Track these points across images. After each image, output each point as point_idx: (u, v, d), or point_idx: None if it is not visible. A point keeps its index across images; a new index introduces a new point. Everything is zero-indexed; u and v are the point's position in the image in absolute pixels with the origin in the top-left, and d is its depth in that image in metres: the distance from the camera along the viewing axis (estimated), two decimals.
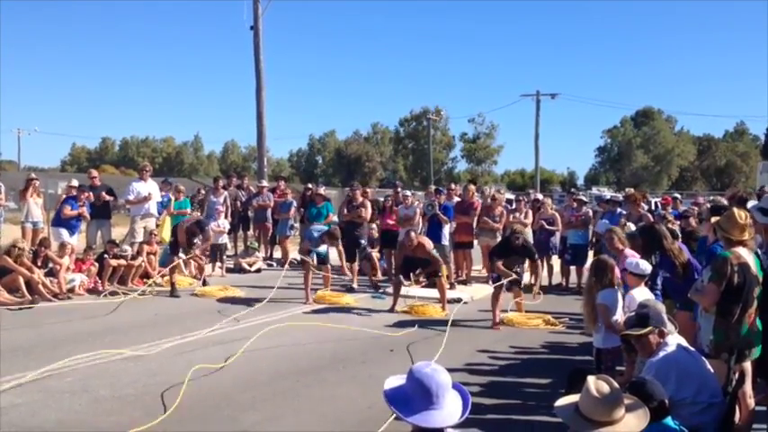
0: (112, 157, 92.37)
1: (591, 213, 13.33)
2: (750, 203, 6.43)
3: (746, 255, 4.78)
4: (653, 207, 16.32)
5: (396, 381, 2.75)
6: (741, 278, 4.63)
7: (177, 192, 15.15)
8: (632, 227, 8.60)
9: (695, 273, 6.32)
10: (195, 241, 11.99)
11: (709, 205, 10.39)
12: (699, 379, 4.21)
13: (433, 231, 12.67)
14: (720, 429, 4.12)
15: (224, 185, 15.62)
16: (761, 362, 4.92)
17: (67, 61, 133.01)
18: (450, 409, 2.62)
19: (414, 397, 2.62)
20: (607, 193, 30.97)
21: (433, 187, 16.71)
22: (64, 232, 12.72)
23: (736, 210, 5.05)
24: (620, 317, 5.83)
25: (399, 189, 15.02)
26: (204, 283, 12.41)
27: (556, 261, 13.66)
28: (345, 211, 13.99)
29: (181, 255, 12.12)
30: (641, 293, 5.90)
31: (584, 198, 14.11)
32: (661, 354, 4.33)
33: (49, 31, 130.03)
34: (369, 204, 13.97)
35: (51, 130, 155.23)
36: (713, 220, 5.66)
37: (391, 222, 13.75)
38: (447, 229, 13.09)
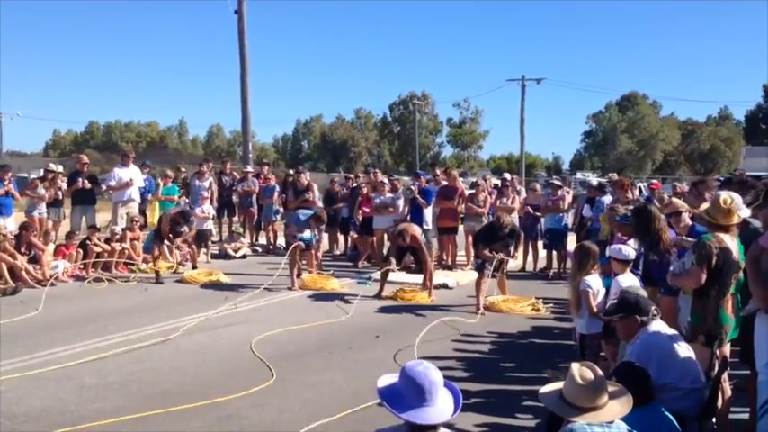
0: (96, 141, 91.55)
1: (566, 196, 13.35)
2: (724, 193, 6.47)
3: (729, 240, 4.81)
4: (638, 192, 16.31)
5: (389, 379, 2.81)
6: (720, 262, 4.67)
7: (165, 177, 15.09)
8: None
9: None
10: (180, 231, 11.95)
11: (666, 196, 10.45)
12: (680, 364, 4.24)
13: (415, 215, 12.76)
14: (703, 414, 4.17)
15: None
16: (741, 345, 4.96)
17: (50, 46, 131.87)
18: (442, 406, 2.70)
19: (407, 395, 2.67)
20: (593, 178, 31.04)
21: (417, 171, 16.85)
22: None
23: (722, 194, 5.07)
24: (603, 302, 5.88)
25: (376, 174, 15.22)
26: (194, 267, 12.42)
27: (541, 246, 13.69)
28: (292, 197, 14.31)
29: (166, 242, 12.11)
30: (626, 279, 5.93)
31: (557, 182, 14.16)
32: (640, 339, 4.36)
33: (32, 15, 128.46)
34: (315, 187, 14.50)
35: (34, 115, 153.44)
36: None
37: (367, 210, 13.86)
38: (429, 213, 13.15)
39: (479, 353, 7.54)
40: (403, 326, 8.62)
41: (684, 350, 4.35)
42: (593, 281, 6.08)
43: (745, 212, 5.19)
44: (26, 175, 24.59)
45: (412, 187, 13.38)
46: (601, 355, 5.76)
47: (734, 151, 70.07)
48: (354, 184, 15.47)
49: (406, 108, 74.59)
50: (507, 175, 14.67)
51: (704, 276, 4.67)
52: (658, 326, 4.46)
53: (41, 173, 13.39)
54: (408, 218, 12.60)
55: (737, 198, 5.07)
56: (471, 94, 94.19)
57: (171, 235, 11.92)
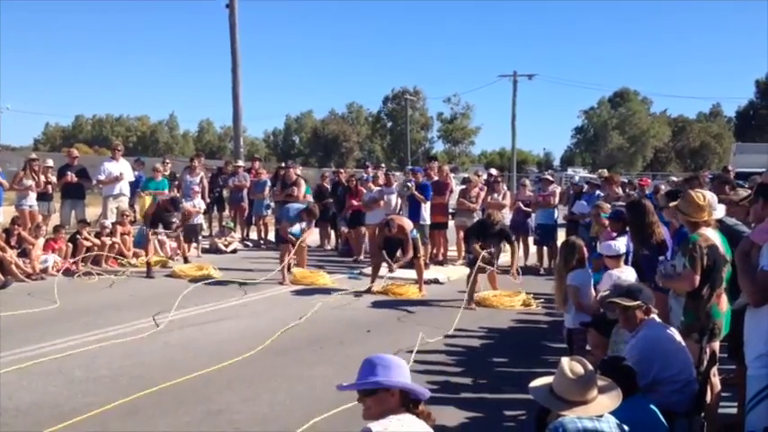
0: (86, 135, 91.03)
1: (557, 191, 13.38)
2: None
3: (713, 235, 4.81)
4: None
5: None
6: (711, 260, 4.67)
7: (155, 171, 15.04)
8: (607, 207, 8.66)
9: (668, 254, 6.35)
10: (170, 219, 11.89)
11: (663, 188, 10.44)
12: (681, 357, 4.26)
13: (413, 211, 12.70)
14: (692, 409, 4.19)
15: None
16: (729, 341, 4.98)
17: (43, 41, 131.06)
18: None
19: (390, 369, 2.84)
20: (583, 174, 31.08)
21: (408, 168, 16.90)
22: None
23: (692, 192, 5.06)
24: (590, 297, 5.90)
25: (369, 169, 15.27)
26: (186, 261, 12.41)
27: (532, 242, 13.71)
28: (279, 189, 14.38)
29: (159, 230, 12.07)
30: (621, 273, 5.96)
31: (549, 177, 14.20)
32: (643, 332, 4.33)
33: (25, 12, 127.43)
34: (302, 183, 14.49)
35: (24, 109, 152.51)
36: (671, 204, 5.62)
37: (356, 203, 13.91)
38: (427, 209, 13.12)
39: (470, 347, 7.56)
40: (394, 321, 8.64)
41: (681, 344, 4.38)
42: (579, 276, 6.09)
43: (719, 212, 5.18)
44: (16, 168, 24.43)
45: (409, 184, 13.32)
46: (587, 350, 5.78)
47: (724, 148, 70.30)
48: (336, 179, 15.55)
49: (398, 103, 74.52)
50: (494, 171, 14.68)
51: (698, 279, 4.65)
52: (657, 321, 4.49)
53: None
54: (405, 214, 12.52)
55: (712, 196, 5.09)
56: (463, 90, 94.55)
57: (160, 222, 11.84)
